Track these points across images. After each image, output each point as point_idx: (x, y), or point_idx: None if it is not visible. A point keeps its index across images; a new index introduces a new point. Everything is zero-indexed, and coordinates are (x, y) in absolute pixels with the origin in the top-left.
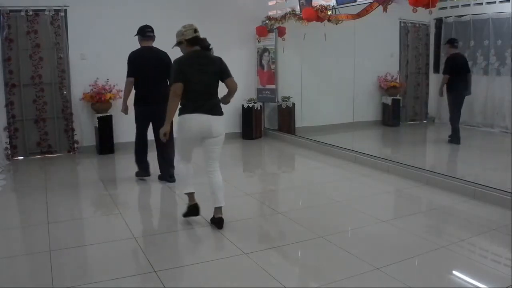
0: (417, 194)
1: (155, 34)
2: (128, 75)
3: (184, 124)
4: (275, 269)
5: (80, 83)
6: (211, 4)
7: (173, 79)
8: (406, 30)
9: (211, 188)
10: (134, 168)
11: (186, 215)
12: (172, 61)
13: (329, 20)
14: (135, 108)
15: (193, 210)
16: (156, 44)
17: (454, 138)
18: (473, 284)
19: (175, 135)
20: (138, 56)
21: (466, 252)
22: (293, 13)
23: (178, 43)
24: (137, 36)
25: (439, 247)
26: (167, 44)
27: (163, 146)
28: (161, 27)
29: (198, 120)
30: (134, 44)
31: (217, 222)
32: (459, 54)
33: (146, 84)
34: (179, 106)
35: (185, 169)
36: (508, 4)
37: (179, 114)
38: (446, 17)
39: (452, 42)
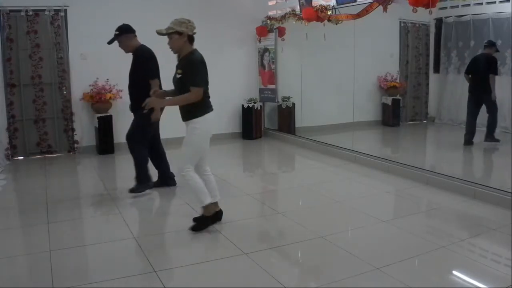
0: (417, 194)
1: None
2: (155, 75)
3: (207, 125)
4: (275, 269)
5: (80, 83)
6: (211, 4)
7: (201, 80)
8: (406, 30)
9: (211, 186)
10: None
11: (213, 221)
12: (191, 60)
13: (329, 20)
14: (147, 112)
15: (217, 218)
16: (155, 44)
17: (467, 138)
18: (473, 284)
19: (196, 141)
20: (153, 54)
21: (466, 252)
22: (293, 13)
23: (176, 33)
24: (130, 35)
25: (439, 247)
26: (167, 44)
27: (160, 149)
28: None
29: (214, 120)
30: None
31: (221, 214)
32: (483, 55)
33: (160, 85)
34: (192, 106)
35: (197, 178)
36: (508, 4)
37: (200, 115)
38: (446, 17)
39: (489, 43)
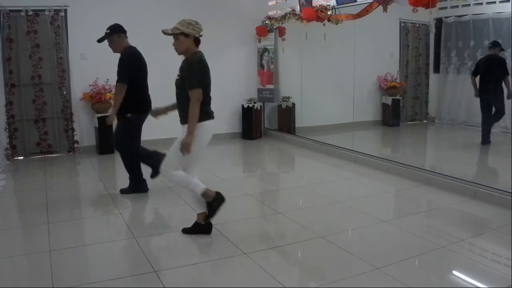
0: (417, 194)
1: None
2: (127, 78)
3: (204, 132)
4: (275, 269)
5: (80, 83)
6: (212, 4)
7: (199, 82)
8: (406, 30)
9: (187, 178)
10: None
11: (218, 205)
12: (190, 62)
13: (329, 20)
14: (134, 116)
15: (220, 197)
16: (155, 45)
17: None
18: (473, 284)
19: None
20: (139, 56)
21: (466, 252)
22: (293, 13)
23: (183, 34)
24: (121, 35)
25: (439, 247)
26: (167, 44)
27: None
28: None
29: (214, 127)
30: (135, 45)
31: (210, 226)
32: (491, 56)
33: (145, 88)
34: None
35: (180, 172)
36: (508, 4)
37: (198, 121)
38: (446, 17)
39: (493, 44)
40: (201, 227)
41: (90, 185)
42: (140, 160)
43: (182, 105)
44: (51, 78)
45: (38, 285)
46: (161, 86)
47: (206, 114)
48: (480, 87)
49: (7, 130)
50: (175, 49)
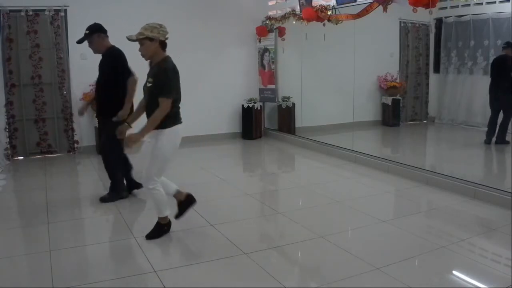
0: (417, 194)
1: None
2: (126, 77)
3: (177, 136)
4: (275, 269)
5: (80, 83)
6: (211, 4)
7: (171, 90)
8: (406, 30)
9: (164, 200)
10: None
11: (184, 210)
12: (163, 68)
13: (329, 20)
14: (117, 120)
15: (188, 200)
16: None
17: (499, 138)
18: (473, 284)
19: (164, 153)
20: (125, 56)
21: (466, 252)
22: (293, 13)
23: (147, 39)
24: (102, 35)
25: (439, 247)
26: (168, 45)
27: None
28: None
29: (181, 132)
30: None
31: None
32: (504, 57)
33: (125, 90)
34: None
35: (163, 191)
36: (508, 4)
37: (168, 126)
38: (446, 17)
39: (507, 44)
40: (163, 226)
41: (90, 185)
42: (120, 169)
43: (153, 111)
44: (51, 78)
45: (38, 285)
46: None
47: (177, 118)
48: (491, 86)
49: (7, 130)
50: (141, 54)
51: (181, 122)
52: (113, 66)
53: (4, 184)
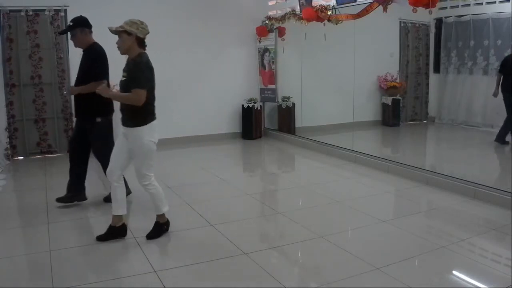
0: (417, 194)
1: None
2: (105, 76)
3: (154, 131)
4: (275, 269)
5: None
6: (211, 4)
7: (144, 82)
8: (406, 30)
9: (161, 195)
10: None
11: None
12: (137, 62)
13: (329, 20)
14: (103, 120)
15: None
16: (156, 45)
17: (499, 138)
18: (473, 284)
19: (147, 149)
20: (105, 54)
21: (466, 252)
22: (293, 13)
23: (125, 32)
24: (85, 30)
25: (439, 247)
26: (169, 45)
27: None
28: (162, 27)
29: (158, 127)
30: None
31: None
32: None
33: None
34: (135, 114)
35: (159, 186)
36: (508, 4)
37: (144, 123)
38: (446, 17)
39: None
40: (163, 225)
41: (90, 185)
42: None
43: (128, 107)
44: (51, 78)
45: (38, 285)
46: (161, 86)
47: (153, 114)
48: (503, 85)
49: (7, 130)
50: (117, 47)
51: (155, 119)
52: (93, 64)
53: (4, 184)
